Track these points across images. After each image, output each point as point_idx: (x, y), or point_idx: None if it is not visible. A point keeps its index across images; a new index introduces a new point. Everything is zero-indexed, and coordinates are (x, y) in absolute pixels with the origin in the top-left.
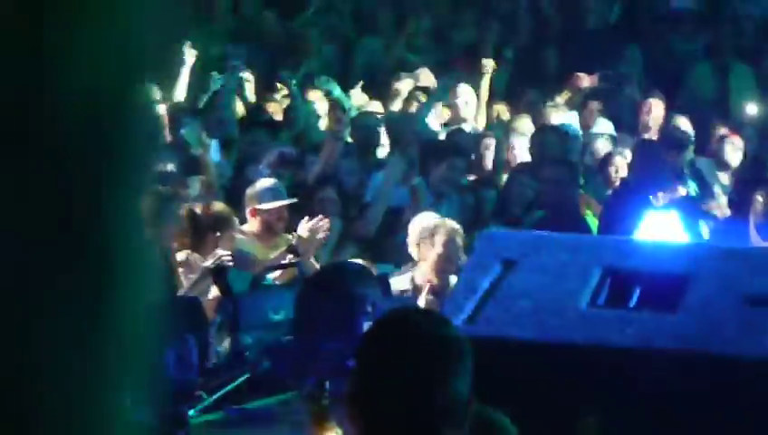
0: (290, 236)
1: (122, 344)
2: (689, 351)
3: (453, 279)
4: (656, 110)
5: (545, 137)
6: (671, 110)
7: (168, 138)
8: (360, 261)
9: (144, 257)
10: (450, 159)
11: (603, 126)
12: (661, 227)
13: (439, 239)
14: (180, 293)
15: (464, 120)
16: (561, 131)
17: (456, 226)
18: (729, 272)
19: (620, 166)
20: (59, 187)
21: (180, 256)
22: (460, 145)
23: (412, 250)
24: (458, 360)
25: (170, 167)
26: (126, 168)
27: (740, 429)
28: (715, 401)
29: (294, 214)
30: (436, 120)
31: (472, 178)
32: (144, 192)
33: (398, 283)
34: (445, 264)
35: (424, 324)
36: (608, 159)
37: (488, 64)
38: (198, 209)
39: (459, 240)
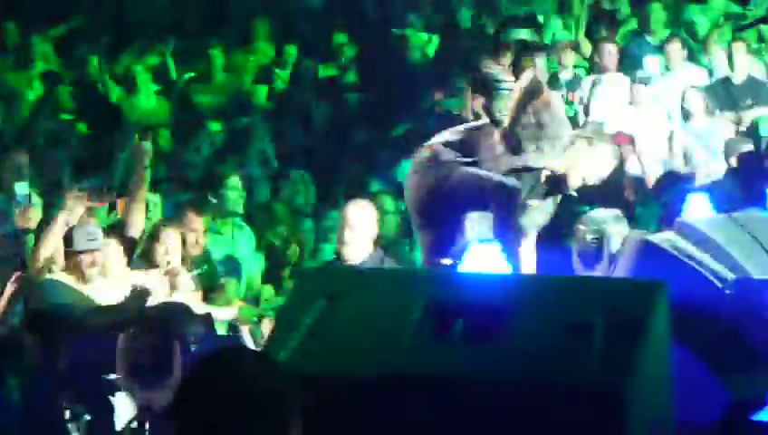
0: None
1: None
2: (513, 379)
3: None
4: None
5: None
6: None
7: None
8: None
9: None
10: None
11: None
12: (484, 259)
13: None
14: None
15: None
16: None
17: None
18: (549, 301)
19: None
20: None
21: None
22: None
23: None
24: (284, 402)
25: None
26: None
27: None
28: (542, 428)
29: None
30: None
31: None
32: None
33: None
34: None
35: (247, 367)
36: None
37: None
38: None
39: None
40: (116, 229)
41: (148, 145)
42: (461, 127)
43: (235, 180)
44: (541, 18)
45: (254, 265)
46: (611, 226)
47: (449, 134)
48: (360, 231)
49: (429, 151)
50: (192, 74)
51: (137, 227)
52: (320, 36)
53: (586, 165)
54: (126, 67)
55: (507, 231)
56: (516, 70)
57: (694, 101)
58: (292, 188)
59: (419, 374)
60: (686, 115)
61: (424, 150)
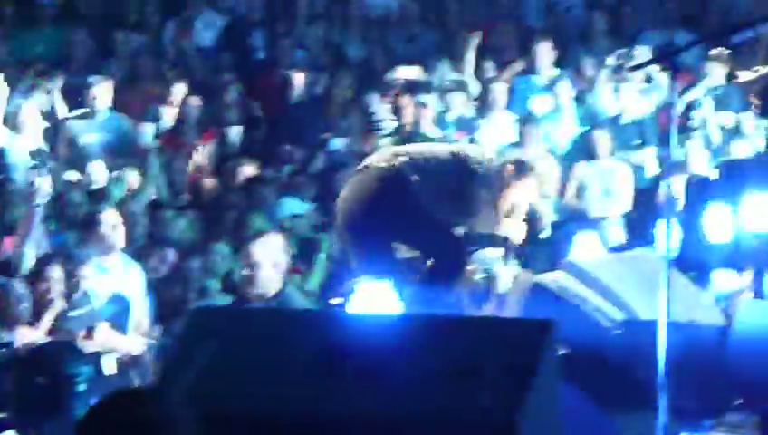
0: None
1: None
2: (402, 420)
3: None
4: None
5: None
6: None
7: None
8: None
9: None
10: None
11: None
12: (374, 298)
13: None
14: None
15: None
16: None
17: None
18: (438, 341)
19: None
20: None
21: None
22: None
23: None
24: None
25: None
26: None
27: None
28: None
29: None
30: None
31: None
32: None
33: None
34: None
35: (143, 407)
36: None
37: None
38: None
39: None
40: (4, 268)
41: (39, 182)
42: (435, 151)
43: (116, 217)
44: (428, 57)
45: (143, 302)
46: (500, 265)
47: (408, 156)
48: (265, 268)
49: (392, 166)
50: (77, 112)
51: (25, 266)
52: (207, 74)
53: (514, 195)
54: (13, 105)
55: (448, 281)
56: (398, 109)
57: (600, 140)
58: (177, 225)
59: (308, 414)
60: (591, 154)
61: (382, 161)
